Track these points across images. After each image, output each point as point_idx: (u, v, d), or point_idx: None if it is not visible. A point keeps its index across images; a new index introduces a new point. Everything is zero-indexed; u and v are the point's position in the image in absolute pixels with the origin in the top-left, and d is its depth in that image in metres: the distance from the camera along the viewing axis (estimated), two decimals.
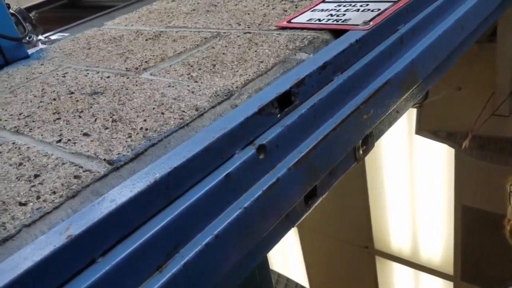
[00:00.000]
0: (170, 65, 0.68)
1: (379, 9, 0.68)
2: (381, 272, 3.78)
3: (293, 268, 4.19)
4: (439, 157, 2.81)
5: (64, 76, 0.74)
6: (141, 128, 0.50)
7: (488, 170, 2.27)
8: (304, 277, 4.21)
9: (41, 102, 0.65)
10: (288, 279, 2.63)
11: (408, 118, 2.66)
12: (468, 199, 2.81)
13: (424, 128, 2.37)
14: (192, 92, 0.58)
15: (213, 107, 0.54)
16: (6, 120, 0.61)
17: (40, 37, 1.12)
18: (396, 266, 3.65)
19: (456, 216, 3.01)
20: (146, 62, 0.71)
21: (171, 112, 0.53)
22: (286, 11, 0.82)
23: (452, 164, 2.75)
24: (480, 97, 2.07)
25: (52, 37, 1.14)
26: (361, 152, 0.65)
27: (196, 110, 0.53)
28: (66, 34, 1.14)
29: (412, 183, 3.14)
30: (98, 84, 0.66)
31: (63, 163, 0.47)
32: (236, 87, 0.58)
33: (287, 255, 4.30)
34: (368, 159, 3.12)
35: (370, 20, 0.65)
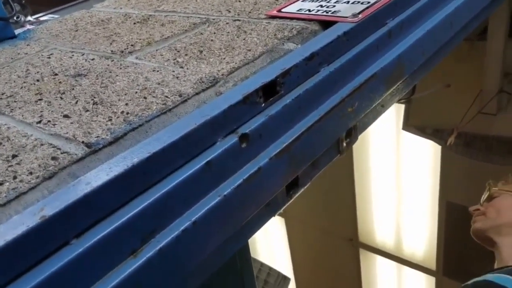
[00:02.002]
0: (157, 50, 0.67)
1: (368, 2, 0.68)
2: (364, 264, 3.82)
3: (279, 259, 4.23)
4: (426, 153, 2.83)
5: (49, 58, 0.73)
6: (122, 112, 0.50)
7: (474, 168, 2.30)
8: (289, 268, 4.25)
9: (24, 82, 0.65)
10: (270, 268, 2.65)
11: (397, 114, 2.67)
12: (453, 196, 2.84)
13: (411, 124, 2.39)
14: (177, 77, 0.57)
15: (197, 93, 0.54)
16: None
17: (29, 18, 1.10)
18: (380, 259, 3.69)
19: (440, 212, 3.05)
20: (132, 45, 0.70)
21: (154, 97, 0.53)
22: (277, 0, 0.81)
23: (438, 161, 2.78)
24: (468, 95, 2.08)
25: (42, 18, 1.13)
26: (344, 144, 0.65)
27: (180, 96, 0.53)
28: (56, 16, 1.12)
29: (398, 178, 3.17)
30: (82, 66, 0.66)
31: (42, 144, 0.46)
32: (222, 75, 0.57)
33: (273, 246, 4.33)
34: (356, 153, 3.14)
35: (359, 13, 0.65)
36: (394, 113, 2.71)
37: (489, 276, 0.93)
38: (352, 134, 0.66)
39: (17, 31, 0.93)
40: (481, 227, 1.18)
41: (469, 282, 0.96)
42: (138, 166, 0.41)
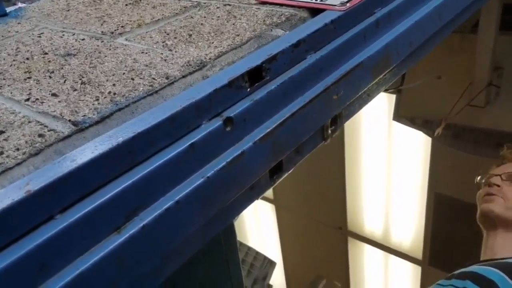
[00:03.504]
0: (146, 32, 0.68)
1: None
2: (352, 252, 3.87)
3: (269, 246, 4.27)
4: (416, 144, 2.86)
5: (40, 36, 0.74)
6: (109, 92, 0.51)
7: (462, 160, 2.33)
8: (278, 254, 4.29)
9: (14, 60, 0.65)
10: (257, 252, 2.69)
11: (388, 104, 2.69)
12: (441, 187, 2.88)
13: (401, 114, 2.41)
14: (165, 60, 0.58)
15: (184, 76, 0.54)
16: None
17: None
18: (367, 248, 3.74)
19: (428, 203, 3.09)
20: (122, 27, 0.71)
21: (141, 78, 0.54)
22: None
23: (428, 152, 2.80)
24: (458, 87, 2.10)
25: None
26: (329, 131, 0.67)
27: (167, 78, 0.54)
28: None
29: (388, 168, 3.20)
30: (72, 46, 0.66)
31: (29, 122, 0.47)
32: (210, 59, 0.58)
33: (263, 233, 4.37)
34: (347, 143, 3.16)
35: (348, 1, 0.65)
36: (386, 104, 2.73)
37: (476, 268, 0.93)
38: (337, 121, 0.67)
39: (8, 9, 0.93)
40: (497, 212, 1.08)
41: (455, 272, 0.97)
42: (123, 145, 0.42)
